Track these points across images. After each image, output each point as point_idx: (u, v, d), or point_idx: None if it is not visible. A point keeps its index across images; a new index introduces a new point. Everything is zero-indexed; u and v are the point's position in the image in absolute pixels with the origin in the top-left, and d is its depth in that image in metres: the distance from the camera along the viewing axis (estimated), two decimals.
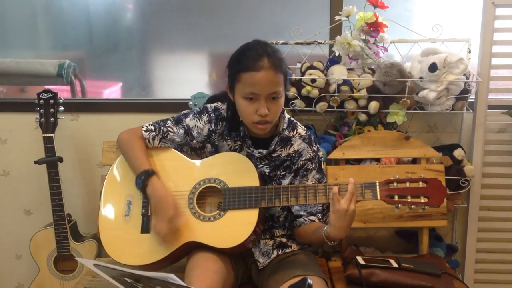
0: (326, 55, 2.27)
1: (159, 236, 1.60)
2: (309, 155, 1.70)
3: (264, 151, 1.69)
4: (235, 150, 1.71)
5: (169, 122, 1.73)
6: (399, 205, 1.52)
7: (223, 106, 1.73)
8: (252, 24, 2.44)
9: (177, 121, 1.73)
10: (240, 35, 2.42)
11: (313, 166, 1.71)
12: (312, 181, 1.70)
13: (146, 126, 1.73)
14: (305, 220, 1.70)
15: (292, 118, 1.76)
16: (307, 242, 1.79)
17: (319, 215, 1.71)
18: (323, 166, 1.76)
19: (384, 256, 2.15)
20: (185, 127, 1.71)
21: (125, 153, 1.73)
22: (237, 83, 1.56)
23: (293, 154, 1.70)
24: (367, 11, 2.06)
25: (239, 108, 1.60)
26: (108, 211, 1.71)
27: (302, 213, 1.71)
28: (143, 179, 1.62)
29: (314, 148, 1.72)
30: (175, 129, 1.72)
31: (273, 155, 1.70)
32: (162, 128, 1.72)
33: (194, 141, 1.72)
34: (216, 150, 1.72)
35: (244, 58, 1.55)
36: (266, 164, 1.70)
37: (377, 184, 1.54)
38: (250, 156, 1.69)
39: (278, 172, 1.71)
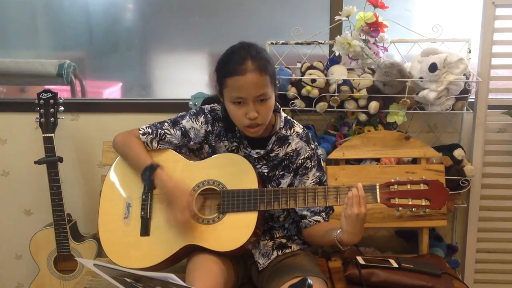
0: (326, 55, 2.27)
1: (177, 226, 1.59)
2: (307, 153, 1.69)
3: (262, 151, 1.68)
4: (232, 151, 1.71)
5: (166, 124, 1.73)
6: (400, 208, 1.50)
7: (219, 107, 1.73)
8: (252, 24, 2.45)
9: (174, 123, 1.73)
10: (240, 35, 2.40)
11: (313, 164, 1.70)
12: (312, 179, 1.70)
13: (143, 129, 1.72)
14: (310, 221, 1.69)
15: (288, 117, 1.75)
16: (317, 244, 1.77)
17: (323, 214, 1.70)
18: (322, 164, 1.75)
19: (384, 256, 2.15)
20: (182, 128, 1.71)
21: (124, 154, 1.73)
22: (224, 88, 1.56)
23: (291, 153, 1.70)
24: (367, 11, 2.06)
25: (230, 112, 1.60)
26: (107, 213, 1.70)
27: (305, 212, 1.70)
28: (149, 174, 1.62)
29: (312, 146, 1.71)
30: (172, 131, 1.71)
31: (271, 154, 1.69)
32: (159, 130, 1.71)
33: (192, 143, 1.72)
34: (213, 151, 1.72)
35: (229, 62, 1.54)
36: (264, 164, 1.70)
37: (377, 186, 1.52)
38: (247, 156, 1.68)
39: (277, 172, 1.70)
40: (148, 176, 1.62)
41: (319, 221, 1.69)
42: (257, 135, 1.62)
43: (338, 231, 1.51)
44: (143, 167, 1.64)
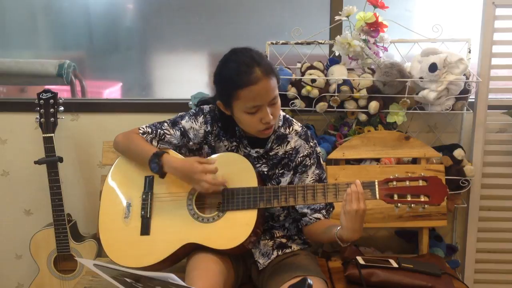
0: (326, 55, 2.27)
1: (212, 190, 1.59)
2: (306, 151, 1.70)
3: (261, 150, 1.69)
4: (232, 151, 1.71)
5: (165, 124, 1.73)
6: (399, 205, 1.50)
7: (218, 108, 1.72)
8: (252, 24, 2.44)
9: (174, 123, 1.73)
10: (240, 35, 2.43)
11: (312, 161, 1.70)
12: (312, 177, 1.70)
13: (143, 129, 1.73)
14: (311, 218, 1.69)
15: (287, 116, 1.75)
16: (318, 241, 1.78)
17: (324, 211, 1.70)
18: (322, 162, 1.75)
19: (384, 256, 2.15)
20: (181, 129, 1.71)
21: (127, 149, 1.73)
22: (234, 100, 1.54)
23: (291, 152, 1.70)
24: (367, 11, 2.06)
25: (242, 121, 1.59)
26: (107, 213, 1.71)
27: (305, 210, 1.70)
28: (157, 161, 1.62)
29: (311, 143, 1.72)
30: (171, 131, 1.71)
31: (270, 153, 1.70)
32: (158, 130, 1.72)
33: (191, 143, 1.72)
34: (213, 151, 1.72)
35: (236, 74, 1.51)
36: (264, 163, 1.70)
37: (376, 183, 1.52)
38: (247, 155, 1.69)
39: (277, 171, 1.71)
40: (157, 164, 1.62)
41: (319, 219, 1.69)
42: (269, 135, 1.63)
43: (338, 228, 1.51)
44: (149, 157, 1.63)
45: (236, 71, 1.52)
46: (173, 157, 1.65)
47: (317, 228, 1.68)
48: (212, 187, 1.58)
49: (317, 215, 1.69)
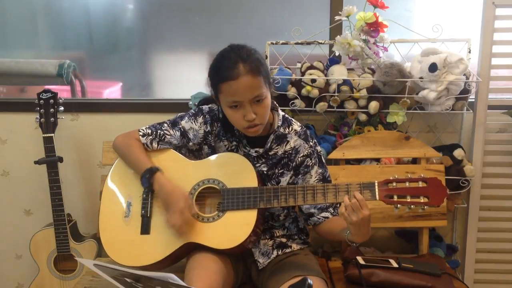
0: (326, 55, 2.27)
1: (174, 229, 1.59)
2: (306, 151, 1.70)
3: (261, 150, 1.68)
4: (231, 151, 1.71)
5: (165, 125, 1.73)
6: (399, 205, 1.51)
7: (217, 107, 1.73)
8: (252, 24, 2.45)
9: (173, 124, 1.73)
10: (240, 35, 2.43)
11: (313, 161, 1.70)
12: (316, 176, 1.70)
13: (143, 130, 1.73)
14: (319, 218, 1.69)
15: (286, 115, 1.75)
16: (330, 240, 1.91)
17: (331, 209, 1.70)
18: (323, 161, 1.75)
19: (384, 256, 2.15)
20: (181, 129, 1.72)
21: (124, 155, 1.73)
22: (219, 93, 1.57)
23: (290, 151, 1.70)
24: (367, 11, 2.06)
25: (228, 116, 1.61)
26: (108, 212, 1.71)
27: (312, 210, 1.70)
28: (148, 177, 1.63)
29: (311, 143, 1.71)
30: (171, 132, 1.72)
31: (270, 153, 1.70)
32: (158, 131, 1.72)
33: (191, 143, 1.72)
34: (213, 152, 1.72)
35: (221, 68, 1.54)
36: (263, 163, 1.70)
37: (376, 184, 1.53)
38: (247, 155, 1.69)
39: (276, 170, 1.70)
40: (148, 179, 1.63)
41: (327, 217, 1.69)
42: (257, 135, 1.63)
43: (348, 232, 1.53)
44: (143, 170, 1.64)
45: (221, 64, 1.54)
46: (164, 178, 1.64)
47: (328, 228, 1.68)
48: (177, 227, 1.58)
49: (324, 214, 1.69)
